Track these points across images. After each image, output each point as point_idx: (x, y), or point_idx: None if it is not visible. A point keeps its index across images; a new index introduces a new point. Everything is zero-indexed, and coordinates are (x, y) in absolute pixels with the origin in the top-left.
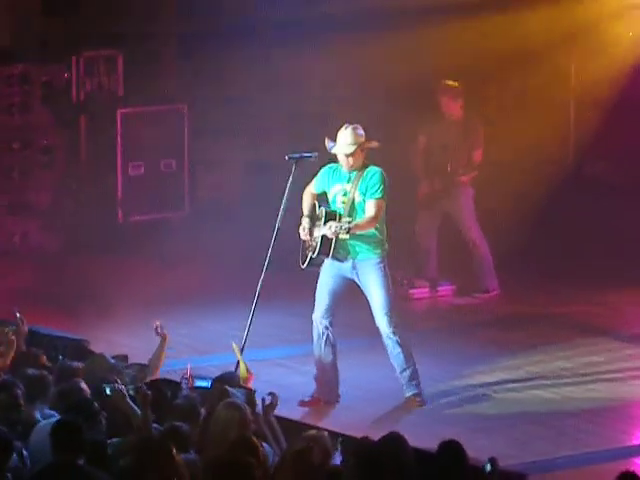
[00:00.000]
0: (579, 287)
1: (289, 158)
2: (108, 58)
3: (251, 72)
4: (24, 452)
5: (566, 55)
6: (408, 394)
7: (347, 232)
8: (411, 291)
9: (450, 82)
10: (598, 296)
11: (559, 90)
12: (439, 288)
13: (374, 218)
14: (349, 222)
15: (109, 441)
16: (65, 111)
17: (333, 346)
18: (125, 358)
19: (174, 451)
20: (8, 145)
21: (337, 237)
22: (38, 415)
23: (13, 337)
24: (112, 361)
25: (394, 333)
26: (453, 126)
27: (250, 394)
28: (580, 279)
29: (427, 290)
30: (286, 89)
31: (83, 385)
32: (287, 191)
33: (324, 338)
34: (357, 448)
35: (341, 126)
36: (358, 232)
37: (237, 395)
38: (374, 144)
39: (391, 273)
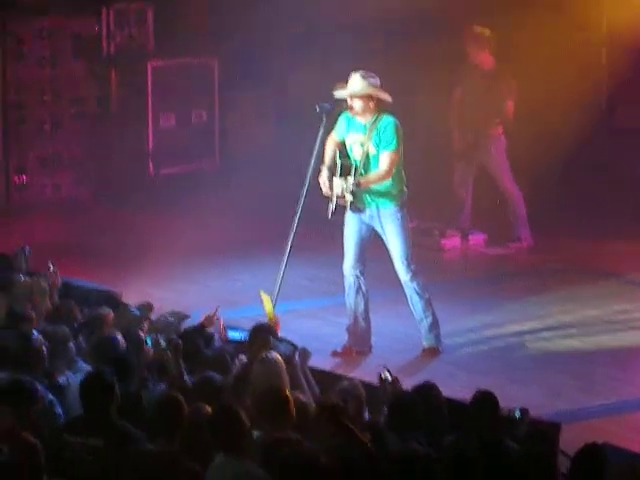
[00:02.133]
0: (612, 237)
1: (319, 108)
2: (138, 10)
3: (282, 25)
4: (57, 406)
5: (597, 1)
6: (425, 344)
7: (352, 193)
8: (443, 241)
9: (478, 29)
10: (631, 246)
11: (591, 36)
12: (470, 238)
13: (386, 172)
14: (354, 183)
15: (145, 390)
16: (96, 63)
17: (365, 295)
18: (150, 306)
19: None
20: (40, 98)
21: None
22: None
23: (45, 286)
24: (136, 312)
25: (411, 280)
26: (483, 76)
27: (291, 346)
28: (613, 229)
29: (458, 240)
30: (317, 40)
31: (119, 337)
32: (318, 142)
33: (355, 287)
34: (391, 397)
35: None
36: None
37: (280, 347)
38: (386, 96)
39: (423, 223)
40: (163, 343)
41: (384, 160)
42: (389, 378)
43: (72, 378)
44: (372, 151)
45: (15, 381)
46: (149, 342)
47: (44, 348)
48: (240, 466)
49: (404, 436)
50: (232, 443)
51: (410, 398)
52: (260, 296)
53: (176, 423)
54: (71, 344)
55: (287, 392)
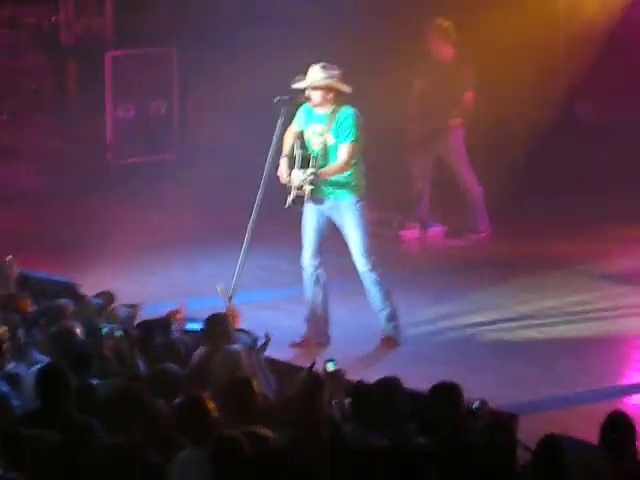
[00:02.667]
0: (568, 228)
1: (278, 100)
2: (97, 0)
3: (242, 12)
4: (12, 398)
5: None
6: (384, 334)
7: (311, 184)
8: (401, 232)
9: (440, 21)
10: (589, 238)
11: (548, 29)
12: (429, 229)
13: (345, 163)
14: (313, 173)
15: (99, 382)
16: (54, 54)
17: (323, 286)
18: (110, 296)
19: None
20: None
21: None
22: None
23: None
24: (97, 302)
25: (371, 271)
26: (442, 67)
27: (250, 337)
28: (570, 219)
29: (417, 231)
30: (274, 28)
31: (76, 328)
32: (277, 133)
33: (314, 279)
34: (353, 392)
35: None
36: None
37: (242, 338)
38: (345, 88)
39: (382, 214)
40: (119, 333)
41: (343, 151)
42: (330, 369)
43: (24, 370)
44: (331, 142)
45: None
46: (104, 331)
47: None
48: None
49: (365, 429)
50: (200, 435)
51: (371, 391)
52: (217, 290)
53: (134, 415)
54: (20, 333)
55: (253, 382)
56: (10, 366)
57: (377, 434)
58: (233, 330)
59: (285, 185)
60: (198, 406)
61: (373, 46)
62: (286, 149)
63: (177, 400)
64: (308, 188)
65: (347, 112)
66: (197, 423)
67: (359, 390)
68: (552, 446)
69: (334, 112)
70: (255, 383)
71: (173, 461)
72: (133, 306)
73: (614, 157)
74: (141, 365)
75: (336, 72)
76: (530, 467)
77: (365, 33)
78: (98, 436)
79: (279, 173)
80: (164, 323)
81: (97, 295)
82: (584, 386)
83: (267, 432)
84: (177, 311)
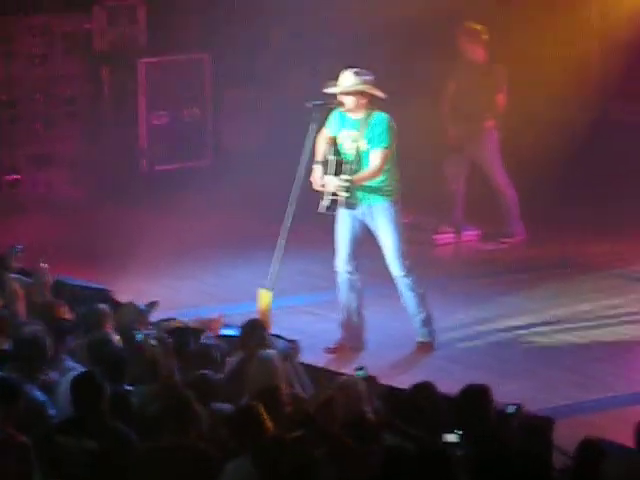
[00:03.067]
0: (603, 230)
1: (311, 105)
2: (130, 7)
3: (275, 20)
4: (49, 408)
5: None
6: (419, 339)
7: (346, 190)
8: (436, 236)
9: (471, 24)
10: (625, 240)
11: (582, 33)
12: (464, 233)
13: (378, 169)
14: (347, 180)
15: (134, 389)
16: (87, 61)
17: (358, 292)
18: (155, 304)
19: (193, 401)
20: (30, 96)
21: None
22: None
23: (16, 288)
24: (141, 308)
25: (405, 276)
26: (475, 70)
27: (287, 343)
28: (604, 222)
29: (452, 235)
30: (309, 34)
31: (112, 336)
32: (310, 138)
33: (348, 284)
34: (388, 397)
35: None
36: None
37: (276, 343)
38: (378, 93)
39: (416, 219)
40: (153, 341)
41: (376, 157)
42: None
43: (57, 377)
44: (364, 147)
45: (3, 382)
46: (138, 338)
47: (42, 348)
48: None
49: (400, 435)
50: (255, 443)
51: (407, 397)
52: (258, 293)
53: (188, 419)
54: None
55: (283, 390)
56: (47, 375)
57: (413, 439)
58: (269, 336)
59: (318, 190)
60: (254, 415)
61: (405, 48)
62: (319, 154)
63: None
64: (343, 194)
65: (380, 118)
66: (253, 431)
67: (394, 396)
68: (592, 450)
69: (367, 117)
70: (286, 390)
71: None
72: (150, 304)
73: None
74: (176, 373)
75: (369, 77)
76: (569, 471)
77: (397, 35)
78: (133, 443)
79: (312, 179)
80: (198, 330)
81: (144, 304)
82: (620, 389)
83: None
84: (216, 320)
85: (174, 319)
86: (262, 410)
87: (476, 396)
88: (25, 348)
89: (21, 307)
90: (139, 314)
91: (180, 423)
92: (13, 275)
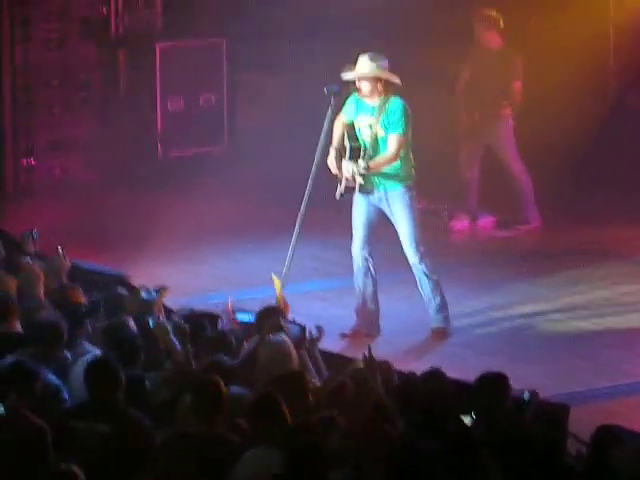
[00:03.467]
0: (619, 217)
1: (327, 90)
2: None
3: (292, 6)
4: (63, 391)
5: None
6: (434, 325)
7: (362, 176)
8: (451, 222)
9: (486, 10)
10: (638, 228)
11: (598, 21)
12: (479, 220)
13: (394, 155)
14: (364, 167)
15: (148, 374)
16: (104, 46)
17: (373, 277)
18: (165, 290)
19: (222, 384)
20: (47, 81)
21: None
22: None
23: (36, 270)
24: (146, 296)
25: (420, 262)
26: (491, 57)
27: (301, 329)
28: (621, 209)
29: (467, 222)
30: (323, 20)
31: (130, 322)
32: (326, 124)
33: (364, 269)
34: (398, 384)
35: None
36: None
37: (291, 328)
38: (394, 78)
39: (431, 204)
40: (168, 326)
41: (392, 142)
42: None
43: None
44: (381, 133)
45: (16, 363)
46: (151, 324)
47: (58, 332)
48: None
49: (406, 422)
50: (273, 432)
51: (417, 384)
52: (272, 279)
53: (218, 405)
54: (63, 326)
55: (303, 374)
56: (64, 357)
57: (416, 428)
58: (285, 322)
59: (335, 175)
60: (272, 403)
61: (423, 32)
62: (335, 140)
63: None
64: (359, 180)
65: (396, 103)
66: (272, 420)
67: (404, 383)
68: (607, 437)
69: (383, 103)
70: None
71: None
72: (160, 289)
73: None
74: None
75: (385, 62)
76: (585, 458)
77: (414, 20)
78: (146, 428)
79: (329, 163)
80: (214, 316)
81: (153, 289)
82: (636, 377)
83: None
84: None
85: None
86: (280, 398)
87: (493, 383)
88: (41, 332)
89: (40, 290)
90: (143, 303)
91: (210, 411)
92: (29, 260)
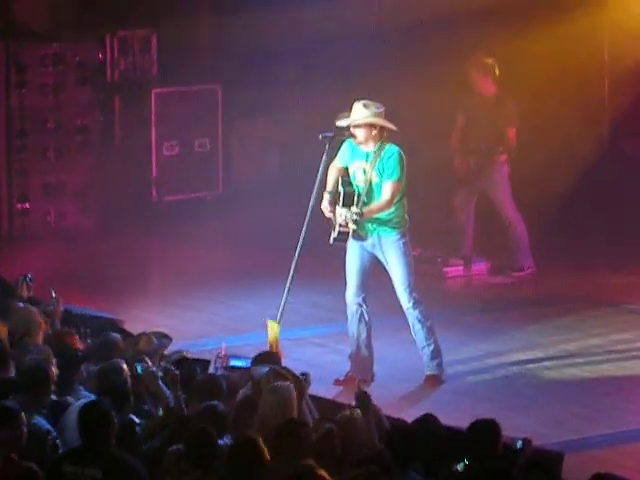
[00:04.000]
0: (614, 265)
1: (322, 137)
2: (142, 38)
3: (285, 53)
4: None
5: (599, 31)
6: (427, 372)
7: (355, 222)
8: (445, 269)
9: (482, 57)
10: (633, 274)
11: (593, 64)
12: (473, 266)
13: (388, 202)
14: (357, 213)
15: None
16: (99, 91)
17: (367, 324)
18: (168, 338)
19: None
20: (43, 125)
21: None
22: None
23: (37, 318)
24: (155, 341)
25: (414, 308)
26: (485, 103)
27: (302, 377)
28: (616, 257)
29: (461, 268)
30: (318, 66)
31: (123, 365)
32: (321, 170)
33: (358, 316)
34: (391, 430)
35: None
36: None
37: (261, 371)
38: (389, 125)
39: (426, 251)
40: (159, 373)
41: (386, 190)
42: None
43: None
44: (375, 180)
45: (2, 408)
46: (139, 370)
47: (45, 376)
48: None
49: (402, 467)
50: (252, 477)
51: (410, 430)
52: (266, 324)
53: (212, 454)
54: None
55: (305, 422)
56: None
57: (415, 472)
58: (280, 368)
59: (329, 220)
60: (252, 448)
61: (417, 80)
62: (330, 184)
63: (227, 440)
64: (352, 227)
65: (392, 150)
66: (250, 465)
67: (397, 429)
68: None
69: (379, 150)
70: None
71: None
72: (160, 338)
73: None
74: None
75: (380, 109)
76: None
77: (409, 68)
78: (139, 474)
79: (322, 207)
80: (205, 361)
81: (154, 334)
82: (630, 424)
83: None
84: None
85: (181, 352)
86: (261, 443)
87: (485, 430)
88: (27, 377)
89: (38, 335)
90: (155, 348)
91: (204, 460)
92: (27, 305)
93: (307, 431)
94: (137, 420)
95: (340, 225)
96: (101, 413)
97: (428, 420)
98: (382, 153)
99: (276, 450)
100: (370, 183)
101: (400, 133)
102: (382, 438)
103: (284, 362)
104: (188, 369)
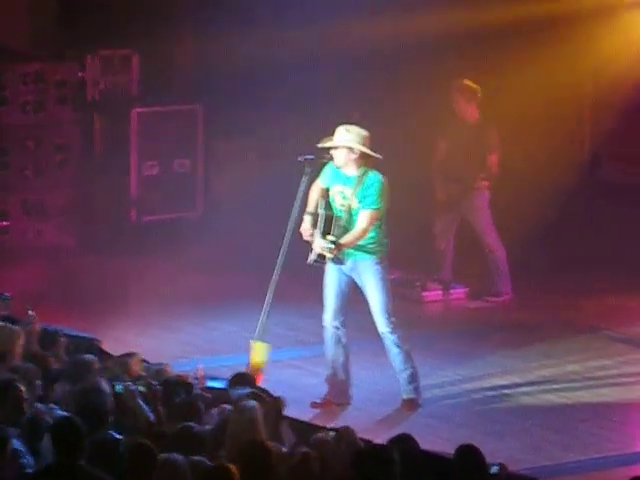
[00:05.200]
0: (592, 291)
1: (303, 159)
2: (123, 57)
3: (265, 73)
4: (24, 456)
5: (582, 60)
6: (404, 396)
7: (330, 251)
8: (424, 293)
9: (466, 82)
10: (610, 300)
11: (575, 91)
12: (452, 291)
13: (364, 230)
14: (334, 242)
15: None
16: (80, 110)
17: (345, 347)
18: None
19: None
20: (22, 144)
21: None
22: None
23: (23, 332)
24: (146, 363)
25: (391, 333)
26: (467, 129)
27: (270, 396)
28: (594, 283)
29: (440, 292)
30: (301, 90)
31: (102, 385)
32: (301, 192)
33: (335, 339)
34: (365, 450)
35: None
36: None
37: (240, 394)
38: (369, 151)
39: (404, 275)
40: (140, 389)
41: (363, 218)
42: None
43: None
44: (355, 205)
45: None
46: (119, 388)
47: (25, 400)
48: None
49: None
50: None
51: (385, 450)
52: (253, 345)
53: (148, 471)
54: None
55: (267, 443)
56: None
57: None
58: (257, 390)
59: (308, 241)
60: (226, 475)
61: (398, 105)
62: (311, 205)
63: (200, 461)
64: (328, 255)
65: (374, 178)
66: None
67: (372, 448)
68: None
69: (362, 176)
70: (273, 447)
71: None
72: (162, 365)
73: None
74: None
75: (362, 134)
76: None
77: (390, 92)
78: None
79: (302, 229)
80: (188, 383)
81: (124, 355)
82: (605, 451)
83: None
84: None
85: (165, 365)
86: (235, 471)
87: (471, 456)
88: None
89: (16, 351)
90: (124, 366)
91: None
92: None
93: (271, 457)
94: (118, 436)
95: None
96: (71, 430)
97: (403, 439)
98: (364, 179)
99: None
100: (349, 208)
101: (383, 156)
102: (355, 460)
103: (262, 384)
104: (172, 389)
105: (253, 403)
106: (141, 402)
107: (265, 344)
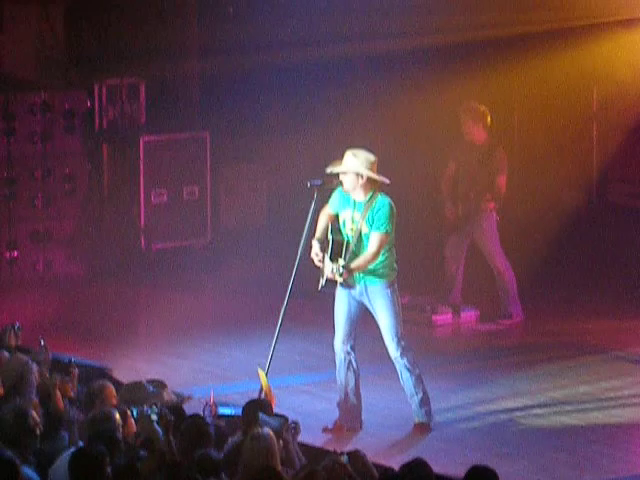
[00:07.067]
0: (601, 313)
1: (311, 184)
2: (130, 86)
3: (273, 100)
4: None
5: (588, 80)
6: (416, 420)
7: (341, 275)
8: (434, 317)
9: (474, 104)
10: (621, 322)
11: (581, 112)
12: (462, 314)
13: (374, 254)
14: (344, 266)
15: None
16: (88, 139)
17: (355, 372)
18: (162, 384)
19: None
20: (30, 173)
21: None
22: None
23: (35, 362)
24: (150, 389)
25: (402, 356)
26: (476, 151)
27: (284, 422)
28: (603, 305)
29: (450, 316)
30: (307, 116)
31: (113, 413)
32: (310, 218)
33: (346, 364)
34: (379, 476)
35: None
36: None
37: (270, 423)
38: (377, 176)
39: (414, 299)
40: (153, 417)
41: (373, 241)
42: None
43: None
44: (365, 230)
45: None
46: (134, 414)
47: (38, 427)
48: None
49: None
50: None
51: (400, 476)
52: (258, 373)
53: None
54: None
55: (279, 470)
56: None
57: None
58: (263, 415)
59: (318, 267)
60: None
61: (407, 128)
62: (319, 231)
63: None
64: (339, 279)
65: (383, 202)
66: None
67: (387, 474)
68: None
69: (370, 201)
70: (283, 469)
71: None
72: (178, 396)
73: None
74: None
75: (370, 159)
76: None
77: (399, 115)
78: None
79: (312, 255)
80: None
81: (149, 382)
82: (616, 472)
83: None
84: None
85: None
86: None
87: (485, 477)
88: (8, 428)
89: (33, 385)
90: (148, 394)
91: None
92: (17, 354)
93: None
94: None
95: (328, 275)
96: (91, 459)
97: (418, 464)
98: (373, 204)
99: None
100: (359, 232)
101: (391, 180)
102: None
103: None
104: (183, 417)
105: (267, 431)
106: (157, 427)
107: (260, 370)
